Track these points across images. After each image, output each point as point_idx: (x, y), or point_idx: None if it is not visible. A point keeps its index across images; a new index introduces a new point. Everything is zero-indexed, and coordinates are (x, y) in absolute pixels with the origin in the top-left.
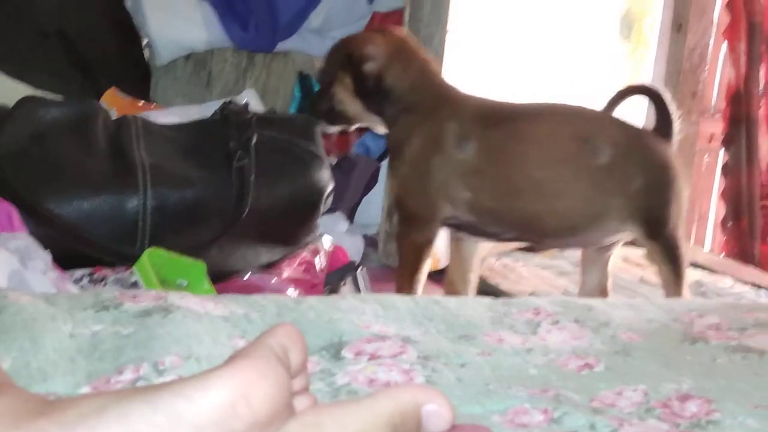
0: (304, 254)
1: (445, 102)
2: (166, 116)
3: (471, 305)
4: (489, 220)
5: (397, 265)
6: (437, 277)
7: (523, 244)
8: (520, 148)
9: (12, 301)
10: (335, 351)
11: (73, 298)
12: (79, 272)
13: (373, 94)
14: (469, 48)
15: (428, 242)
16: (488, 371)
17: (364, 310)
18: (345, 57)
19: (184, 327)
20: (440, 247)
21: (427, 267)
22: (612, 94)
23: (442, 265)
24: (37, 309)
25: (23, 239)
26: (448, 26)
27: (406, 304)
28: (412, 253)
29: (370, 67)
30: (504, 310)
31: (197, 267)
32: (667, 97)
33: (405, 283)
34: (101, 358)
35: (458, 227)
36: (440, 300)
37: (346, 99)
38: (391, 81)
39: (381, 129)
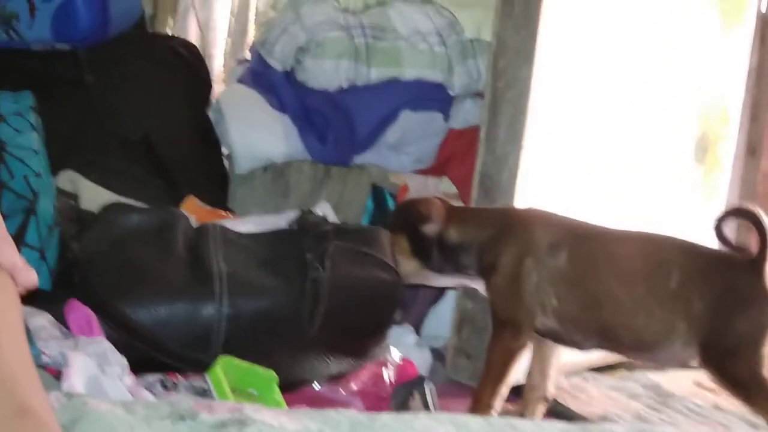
0: (373, 367)
1: (529, 217)
2: (243, 225)
3: (546, 430)
4: (572, 328)
5: (482, 373)
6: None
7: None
8: (604, 264)
9: (92, 408)
10: None
11: (150, 406)
12: (151, 377)
13: (434, 253)
14: (544, 167)
15: (521, 348)
16: None
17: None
18: (404, 220)
19: None
20: None
21: (511, 378)
22: (689, 216)
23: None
24: (116, 418)
25: (101, 344)
26: (523, 143)
27: (479, 425)
28: (502, 359)
29: (429, 228)
30: None
31: (269, 377)
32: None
33: (486, 393)
34: None
35: (543, 334)
36: (514, 423)
37: (402, 260)
38: (456, 235)
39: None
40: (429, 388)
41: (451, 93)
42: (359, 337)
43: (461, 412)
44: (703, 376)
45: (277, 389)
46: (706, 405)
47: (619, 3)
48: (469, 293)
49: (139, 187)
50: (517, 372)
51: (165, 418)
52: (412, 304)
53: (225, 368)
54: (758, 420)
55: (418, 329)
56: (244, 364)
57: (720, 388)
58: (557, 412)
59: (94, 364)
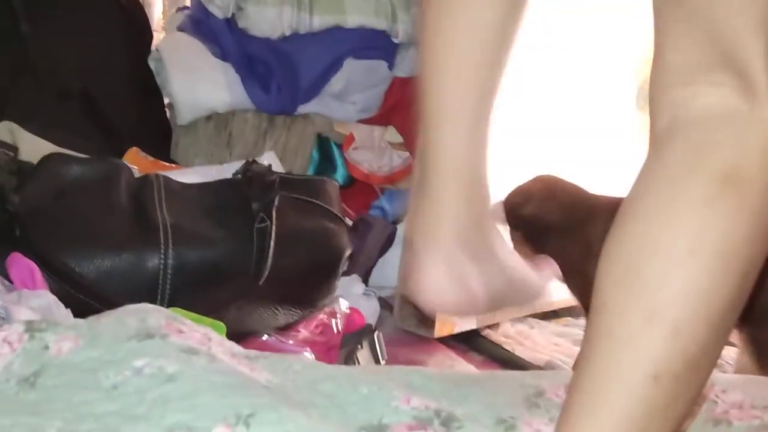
0: (321, 316)
1: None
2: (187, 176)
3: (503, 381)
4: None
5: None
6: (451, 343)
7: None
8: None
9: (53, 355)
10: None
11: (116, 325)
12: None
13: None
14: None
15: None
16: None
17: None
18: (507, 214)
19: (229, 377)
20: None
21: None
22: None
23: (457, 329)
24: (78, 364)
25: (45, 297)
26: None
27: (440, 382)
28: None
29: (527, 210)
30: (536, 384)
31: (217, 328)
32: None
33: None
34: (147, 417)
35: None
36: (475, 377)
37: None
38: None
39: None
40: (377, 338)
41: (396, 41)
42: (307, 287)
43: (410, 360)
44: None
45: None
46: None
47: None
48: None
49: (80, 139)
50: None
51: (132, 337)
52: (360, 254)
53: None
54: None
55: (366, 279)
56: (192, 316)
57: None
58: (504, 358)
59: (37, 318)
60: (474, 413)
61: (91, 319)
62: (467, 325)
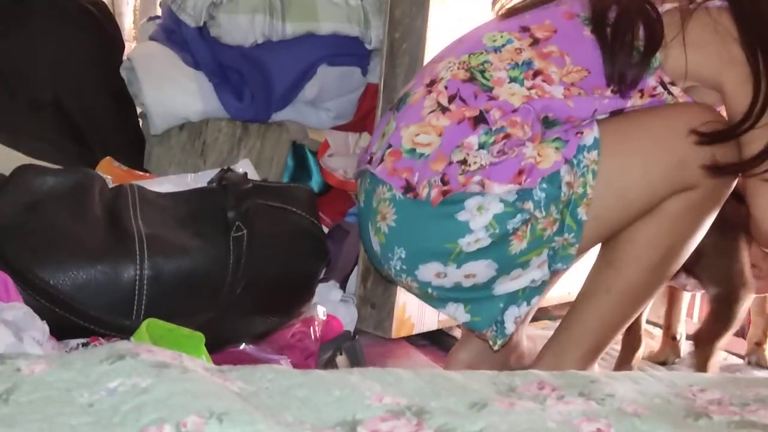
0: (298, 324)
1: None
2: (161, 185)
3: (475, 378)
4: None
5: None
6: (414, 341)
7: None
8: None
9: (26, 375)
10: (350, 429)
11: (86, 354)
12: (73, 342)
13: None
14: None
15: None
16: (506, 428)
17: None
18: None
19: (202, 384)
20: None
21: None
22: None
23: (416, 329)
24: (51, 383)
25: (20, 309)
26: None
27: (412, 380)
28: None
29: None
30: (509, 382)
31: (195, 338)
32: None
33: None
34: (122, 423)
35: None
36: (444, 374)
37: None
38: None
39: None
40: (356, 344)
41: (368, 47)
42: (284, 295)
43: (386, 363)
44: None
45: (204, 350)
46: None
47: None
48: None
49: (52, 150)
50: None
51: (104, 360)
52: (337, 260)
53: (150, 331)
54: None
55: (343, 285)
56: (170, 326)
57: None
58: None
59: (11, 333)
60: (446, 405)
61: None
62: (429, 325)
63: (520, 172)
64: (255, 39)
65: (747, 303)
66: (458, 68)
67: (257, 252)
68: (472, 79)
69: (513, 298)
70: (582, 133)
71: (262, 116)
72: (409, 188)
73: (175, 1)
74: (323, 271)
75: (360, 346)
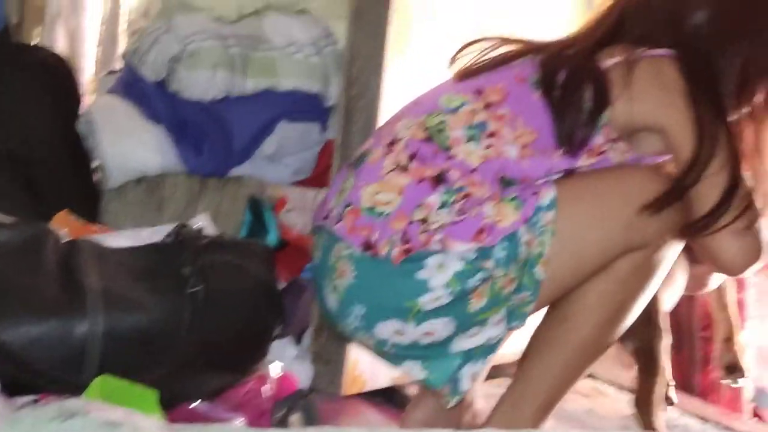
0: (252, 382)
1: None
2: (117, 239)
3: None
4: None
5: None
6: (369, 399)
7: None
8: None
9: None
10: None
11: (36, 411)
12: (23, 399)
13: None
14: None
15: None
16: None
17: None
18: None
19: None
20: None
21: None
22: None
23: (368, 387)
24: None
25: None
26: None
27: None
28: None
29: None
30: None
31: (148, 395)
32: None
33: None
34: None
35: None
36: None
37: None
38: None
39: None
40: (310, 402)
41: (328, 104)
42: (239, 352)
43: (340, 422)
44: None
45: (157, 407)
46: (581, 409)
47: (467, 13)
48: None
49: (6, 203)
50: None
51: (54, 418)
52: (293, 317)
53: (103, 388)
54: (630, 423)
55: (299, 341)
56: (123, 383)
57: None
58: None
59: None
60: None
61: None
62: (382, 382)
63: (480, 231)
64: (215, 94)
65: (666, 350)
66: (416, 128)
67: (212, 308)
68: (429, 138)
69: (469, 355)
70: (539, 193)
71: (220, 171)
72: (368, 246)
73: (135, 55)
74: (279, 327)
75: (314, 404)
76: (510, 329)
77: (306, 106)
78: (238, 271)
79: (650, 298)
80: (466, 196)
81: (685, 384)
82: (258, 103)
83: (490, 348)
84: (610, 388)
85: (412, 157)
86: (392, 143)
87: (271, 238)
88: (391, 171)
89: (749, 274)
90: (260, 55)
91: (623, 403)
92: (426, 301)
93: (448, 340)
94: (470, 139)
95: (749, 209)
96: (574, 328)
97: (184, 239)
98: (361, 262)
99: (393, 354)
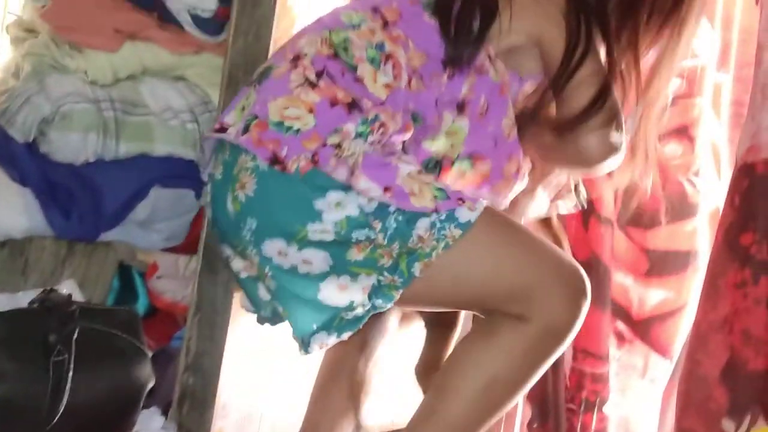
0: None
1: None
2: None
3: None
4: None
5: None
6: None
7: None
8: None
9: None
10: None
11: None
12: None
13: None
14: None
15: None
16: None
17: None
18: None
19: None
20: None
21: None
22: None
23: None
24: None
25: None
26: None
27: None
28: None
29: None
30: None
31: None
32: None
33: None
34: None
35: None
36: None
37: None
38: None
39: None
40: None
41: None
42: (105, 422)
43: None
44: None
45: None
46: None
47: None
48: (190, 368)
49: None
50: None
51: None
52: (161, 386)
53: None
54: None
55: (166, 412)
56: None
57: None
58: None
59: None
60: None
61: None
62: None
63: (389, 188)
64: (87, 157)
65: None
66: (321, 44)
67: (79, 377)
68: (336, 55)
69: (328, 324)
70: (464, 204)
71: (89, 235)
72: (275, 161)
73: (3, 116)
74: (145, 396)
75: None
76: (373, 307)
77: (181, 173)
78: (105, 339)
79: (530, 382)
80: (382, 125)
81: None
82: (131, 168)
83: (349, 323)
84: None
85: (319, 74)
86: (297, 59)
87: (141, 306)
88: (299, 86)
89: (606, 168)
90: (135, 119)
91: None
92: (313, 230)
93: (321, 278)
94: (372, 60)
95: (615, 112)
96: (446, 401)
97: (50, 306)
98: (264, 175)
99: (270, 284)
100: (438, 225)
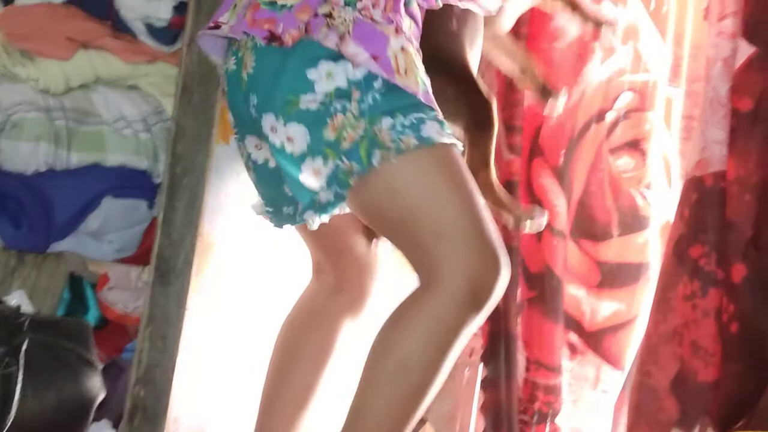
0: None
1: None
2: None
3: None
4: None
5: None
6: None
7: None
8: None
9: None
10: None
11: None
12: None
13: None
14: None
15: None
16: None
17: None
18: None
19: None
20: None
21: None
22: None
23: None
24: None
25: None
26: (200, 230)
27: None
28: None
29: None
30: None
31: None
32: None
33: None
34: None
35: None
36: None
37: None
38: None
39: None
40: None
41: (156, 180)
42: None
43: None
44: None
45: None
46: None
47: None
48: (142, 381)
49: None
50: None
51: None
52: (111, 399)
53: None
54: None
55: (116, 424)
56: None
57: None
58: None
59: None
60: None
61: None
62: None
63: (376, 58)
64: (37, 167)
65: None
66: None
67: (28, 389)
68: None
69: (311, 204)
70: (439, 119)
71: (39, 246)
72: (273, 38)
73: None
74: (95, 409)
75: None
76: (337, 198)
77: (133, 183)
78: (55, 351)
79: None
80: None
81: None
82: (83, 178)
83: (322, 207)
84: None
85: None
86: None
87: (91, 317)
88: None
89: None
90: (88, 129)
91: None
92: (306, 101)
93: (301, 159)
94: None
95: None
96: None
97: None
98: (262, 52)
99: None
100: (398, 128)
